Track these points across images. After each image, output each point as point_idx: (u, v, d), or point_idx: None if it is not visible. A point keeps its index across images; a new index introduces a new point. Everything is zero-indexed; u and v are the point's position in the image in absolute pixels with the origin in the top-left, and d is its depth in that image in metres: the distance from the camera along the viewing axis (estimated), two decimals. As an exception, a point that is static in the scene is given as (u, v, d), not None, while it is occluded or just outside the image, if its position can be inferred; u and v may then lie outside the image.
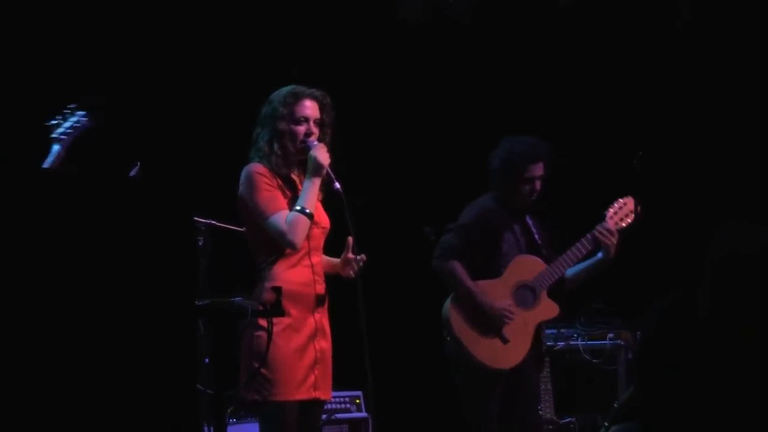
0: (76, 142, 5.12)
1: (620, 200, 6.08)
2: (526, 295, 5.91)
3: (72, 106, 5.15)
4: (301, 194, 4.77)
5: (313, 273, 4.82)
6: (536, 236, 6.03)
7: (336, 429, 6.86)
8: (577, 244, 5.96)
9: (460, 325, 5.79)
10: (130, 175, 4.88)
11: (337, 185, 4.83)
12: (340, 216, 4.87)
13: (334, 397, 6.96)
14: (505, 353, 5.82)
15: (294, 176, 4.91)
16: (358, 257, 4.92)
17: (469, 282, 5.81)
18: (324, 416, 6.81)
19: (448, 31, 8.17)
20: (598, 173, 7.91)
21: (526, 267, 5.94)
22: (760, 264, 2.01)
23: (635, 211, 6.03)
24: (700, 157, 7.93)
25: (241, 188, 4.82)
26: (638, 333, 6.07)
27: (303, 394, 4.72)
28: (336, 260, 5.00)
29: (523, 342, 5.88)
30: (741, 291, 2.02)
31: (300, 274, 4.79)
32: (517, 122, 7.99)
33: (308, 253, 4.82)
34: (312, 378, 4.75)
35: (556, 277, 5.92)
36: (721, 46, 7.95)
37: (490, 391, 5.82)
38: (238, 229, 5.36)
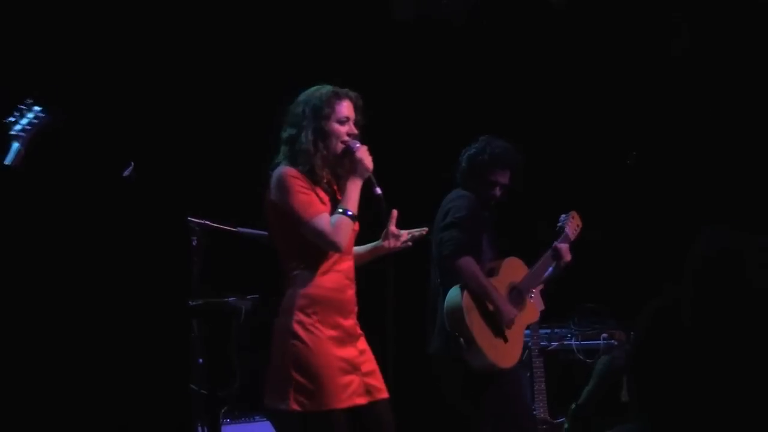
0: (36, 138, 4.99)
1: (569, 214, 6.21)
2: (516, 296, 5.96)
3: (28, 101, 5.01)
4: (344, 196, 4.67)
5: (346, 278, 4.73)
6: (496, 239, 6.12)
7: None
8: (548, 252, 6.08)
9: (474, 321, 5.78)
10: (124, 175, 4.85)
11: (378, 190, 4.73)
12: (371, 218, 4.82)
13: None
14: (507, 352, 5.86)
15: (328, 180, 4.81)
16: (416, 231, 4.91)
17: (485, 279, 5.80)
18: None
19: (440, 32, 8.18)
20: (592, 172, 7.93)
21: (514, 269, 6.03)
22: (740, 270, 2.02)
23: (579, 224, 6.24)
24: (693, 158, 7.95)
25: (274, 192, 4.67)
26: (632, 333, 6.11)
27: (345, 402, 4.58)
28: (370, 245, 4.93)
29: (519, 342, 5.94)
30: (724, 298, 2.02)
31: (333, 279, 4.68)
32: (510, 122, 8.01)
33: (340, 258, 4.72)
34: (353, 385, 4.63)
35: (537, 282, 6.03)
36: (715, 47, 7.97)
37: (486, 390, 5.84)
38: (232, 229, 5.35)
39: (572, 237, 6.15)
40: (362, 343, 4.75)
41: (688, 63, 8.02)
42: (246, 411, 6.70)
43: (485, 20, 8.16)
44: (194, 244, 5.29)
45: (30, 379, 2.97)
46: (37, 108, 5.00)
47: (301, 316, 4.57)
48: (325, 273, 4.66)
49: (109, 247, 3.12)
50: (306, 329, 4.57)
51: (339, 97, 4.76)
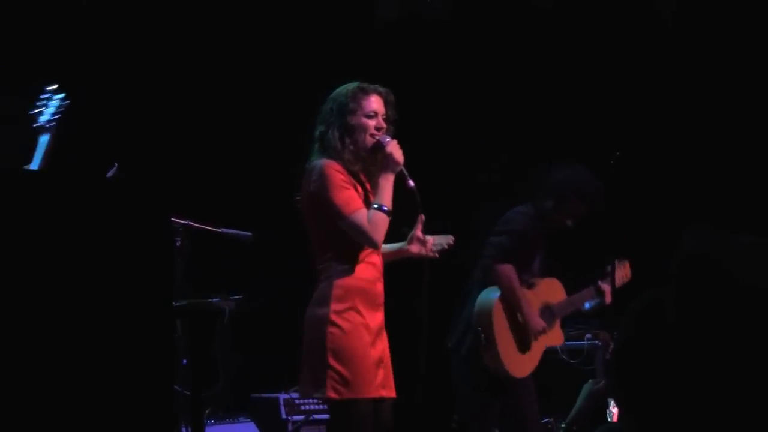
0: (62, 127, 4.86)
1: (620, 262, 6.28)
2: (547, 315, 6.03)
3: (50, 88, 4.83)
4: (378, 191, 4.70)
5: (377, 270, 4.77)
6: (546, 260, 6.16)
7: (315, 430, 6.86)
8: (591, 287, 6.16)
9: (500, 325, 5.84)
10: (108, 175, 4.83)
11: (411, 183, 4.77)
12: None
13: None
14: (522, 363, 5.95)
15: (362, 176, 4.82)
16: (443, 240, 4.91)
17: (520, 289, 5.87)
18: (301, 417, 6.82)
19: (425, 31, 8.18)
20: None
21: (554, 290, 6.13)
22: (726, 269, 2.02)
23: (628, 275, 6.31)
24: (677, 159, 7.96)
25: (314, 185, 4.68)
26: (615, 333, 6.13)
27: (374, 392, 4.66)
28: (396, 245, 4.95)
29: (536, 356, 6.04)
30: (707, 297, 2.02)
31: (366, 271, 4.72)
32: (495, 123, 8.02)
33: (373, 251, 4.75)
34: (380, 376, 4.70)
35: (571, 310, 6.11)
36: (699, 47, 7.98)
37: (496, 396, 5.89)
38: (215, 229, 5.34)
39: (618, 284, 6.18)
40: (385, 339, 4.80)
41: (673, 62, 8.03)
42: (230, 411, 6.70)
43: (469, 19, 8.15)
44: (177, 244, 5.28)
45: (12, 381, 2.97)
46: (59, 96, 4.82)
47: (337, 305, 4.61)
48: (358, 265, 4.70)
49: (92, 247, 3.12)
50: (343, 318, 4.61)
51: (365, 92, 4.78)
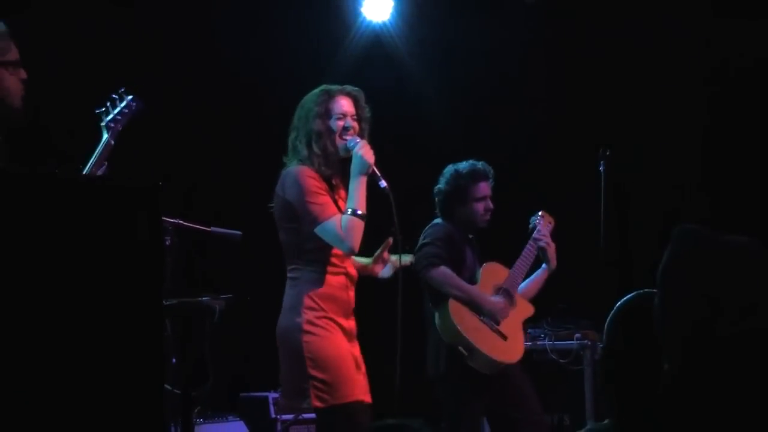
0: (126, 128, 4.86)
1: (539, 213, 6.31)
2: (505, 295, 6.01)
3: (121, 90, 4.88)
4: (350, 195, 4.64)
5: (348, 278, 4.75)
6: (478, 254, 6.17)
7: (303, 429, 6.86)
8: (528, 248, 6.15)
9: (468, 327, 5.82)
10: (98, 174, 4.83)
11: (384, 184, 4.71)
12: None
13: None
14: (509, 348, 5.95)
15: (334, 180, 4.78)
16: (396, 261, 4.91)
17: (464, 283, 5.85)
18: (290, 416, 6.82)
19: (413, 26, 8.19)
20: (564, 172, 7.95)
21: (495, 272, 6.09)
22: (713, 272, 2.03)
23: (551, 221, 6.32)
24: (667, 156, 7.97)
25: (288, 191, 4.66)
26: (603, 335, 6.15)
27: (359, 395, 4.63)
28: (363, 260, 4.95)
29: (519, 337, 6.08)
30: (693, 300, 2.03)
31: (337, 279, 4.70)
32: (480, 121, 8.02)
33: (345, 258, 4.73)
34: (360, 382, 4.68)
35: (521, 278, 6.07)
36: (692, 45, 8.00)
37: (481, 397, 5.89)
38: (205, 228, 5.34)
39: (547, 233, 6.22)
40: (357, 346, 4.78)
41: (663, 58, 8.03)
42: (219, 410, 6.71)
43: (460, 14, 8.16)
44: (167, 243, 5.27)
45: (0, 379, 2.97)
46: (129, 97, 4.88)
47: (310, 315, 4.59)
48: (330, 273, 4.68)
49: (81, 246, 3.12)
50: (317, 325, 4.59)
51: (330, 94, 4.73)
